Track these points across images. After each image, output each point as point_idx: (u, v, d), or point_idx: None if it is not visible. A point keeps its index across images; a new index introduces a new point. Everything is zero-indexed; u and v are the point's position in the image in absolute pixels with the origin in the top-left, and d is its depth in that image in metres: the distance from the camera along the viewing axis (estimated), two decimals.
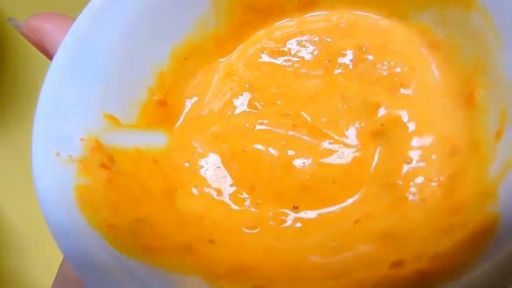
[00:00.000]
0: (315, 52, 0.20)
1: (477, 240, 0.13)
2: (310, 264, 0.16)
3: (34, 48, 0.20)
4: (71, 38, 0.17)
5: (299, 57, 0.20)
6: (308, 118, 0.18)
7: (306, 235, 0.17)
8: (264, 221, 0.17)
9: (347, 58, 0.19)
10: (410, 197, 0.16)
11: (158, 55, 0.19)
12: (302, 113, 0.18)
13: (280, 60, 0.20)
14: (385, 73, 0.18)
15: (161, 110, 0.19)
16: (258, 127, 0.18)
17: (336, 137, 0.18)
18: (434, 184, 0.16)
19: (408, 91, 0.18)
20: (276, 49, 0.20)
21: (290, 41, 0.20)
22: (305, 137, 0.18)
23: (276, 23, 0.20)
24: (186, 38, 0.19)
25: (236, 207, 0.18)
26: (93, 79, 0.17)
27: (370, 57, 0.19)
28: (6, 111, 0.41)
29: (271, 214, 0.17)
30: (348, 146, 0.18)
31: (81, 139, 0.16)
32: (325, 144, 0.18)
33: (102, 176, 0.16)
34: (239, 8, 0.19)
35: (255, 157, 0.18)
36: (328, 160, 0.18)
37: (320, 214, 0.17)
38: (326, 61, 0.19)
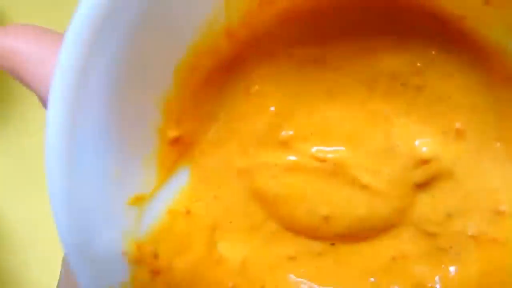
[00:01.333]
0: (358, 58, 0.15)
1: None
2: None
3: None
4: (59, 106, 0.13)
5: (336, 67, 0.16)
6: (349, 167, 0.16)
7: (347, 267, 0.17)
8: (305, 252, 0.18)
9: (398, 78, 0.16)
10: (448, 248, 0.17)
11: (161, 82, 0.15)
12: (340, 157, 0.16)
13: (310, 70, 0.16)
14: (440, 109, 0.16)
15: (177, 146, 0.16)
16: (291, 170, 0.17)
17: (379, 189, 0.16)
18: (471, 240, 0.16)
19: (463, 138, 0.16)
20: (305, 51, 0.16)
21: (326, 32, 0.15)
22: (345, 189, 0.16)
23: None
24: (191, 45, 0.14)
25: (273, 244, 0.17)
26: (104, 158, 0.14)
27: (426, 83, 0.16)
28: (6, 111, 0.41)
29: (310, 247, 0.17)
30: (389, 197, 0.16)
31: (124, 254, 0.15)
32: (365, 196, 0.16)
33: None
34: None
35: (290, 204, 0.17)
36: (369, 214, 0.17)
37: (358, 249, 0.17)
38: (371, 76, 0.16)
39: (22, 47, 0.14)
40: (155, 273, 0.15)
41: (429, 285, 0.17)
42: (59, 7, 0.39)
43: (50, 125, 0.13)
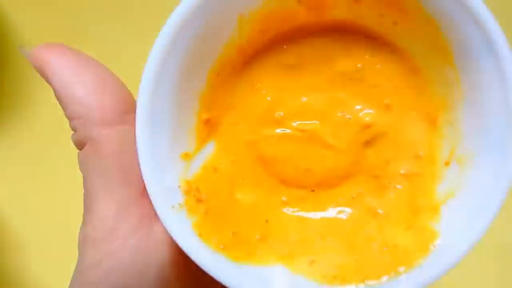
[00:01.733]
0: (322, 63, 0.24)
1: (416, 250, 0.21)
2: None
3: None
4: (145, 98, 0.21)
5: (308, 70, 0.24)
6: (320, 134, 0.25)
7: (323, 204, 0.26)
8: (294, 197, 0.26)
9: (347, 74, 0.24)
10: (388, 184, 0.25)
11: (200, 81, 0.23)
12: (314, 128, 0.25)
13: (292, 72, 0.24)
14: (375, 92, 0.25)
15: (208, 126, 0.24)
16: (282, 139, 0.25)
17: (340, 148, 0.25)
18: (402, 176, 0.25)
19: (390, 110, 0.24)
20: (288, 60, 0.24)
21: (300, 47, 0.24)
22: (318, 149, 0.25)
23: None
24: (218, 57, 0.23)
25: (272, 193, 0.26)
26: (168, 128, 0.22)
27: (364, 77, 0.24)
28: (6, 111, 0.41)
29: (297, 193, 0.26)
30: (348, 153, 0.25)
31: (179, 187, 0.22)
32: (333, 154, 0.25)
33: (202, 210, 0.23)
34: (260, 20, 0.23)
35: (284, 163, 0.25)
36: (334, 165, 0.25)
37: (330, 192, 0.26)
38: (331, 75, 0.24)
39: (48, 57, 0.21)
40: (198, 201, 0.23)
41: (378, 210, 0.25)
42: (59, 7, 0.42)
43: (140, 104, 0.21)
